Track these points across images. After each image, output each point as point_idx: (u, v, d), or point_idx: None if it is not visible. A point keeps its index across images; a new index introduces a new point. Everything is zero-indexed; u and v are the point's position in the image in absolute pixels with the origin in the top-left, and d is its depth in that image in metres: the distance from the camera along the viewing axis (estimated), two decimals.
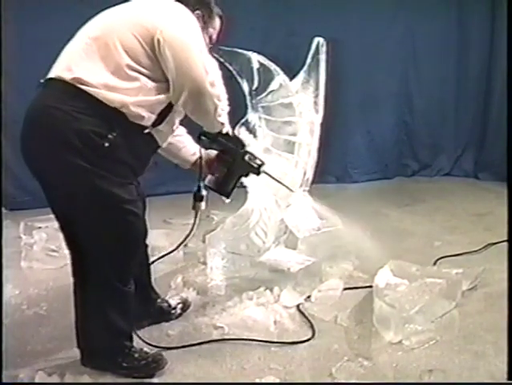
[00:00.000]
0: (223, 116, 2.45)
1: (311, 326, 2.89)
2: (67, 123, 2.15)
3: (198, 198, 2.61)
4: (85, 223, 2.30)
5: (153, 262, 2.84)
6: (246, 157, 2.70)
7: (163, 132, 2.40)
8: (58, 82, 2.20)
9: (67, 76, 2.18)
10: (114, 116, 2.18)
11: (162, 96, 2.26)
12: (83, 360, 2.53)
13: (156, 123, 2.31)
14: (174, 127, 2.50)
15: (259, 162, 2.74)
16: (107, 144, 2.18)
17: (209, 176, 2.74)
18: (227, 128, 2.57)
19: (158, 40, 2.15)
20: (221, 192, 2.72)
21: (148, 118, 2.27)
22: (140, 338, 2.62)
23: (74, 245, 2.40)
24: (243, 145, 2.69)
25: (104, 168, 2.21)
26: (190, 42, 2.20)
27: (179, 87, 2.21)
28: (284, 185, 3.04)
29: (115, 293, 2.42)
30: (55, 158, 2.20)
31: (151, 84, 2.23)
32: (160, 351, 2.59)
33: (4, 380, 2.30)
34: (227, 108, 2.48)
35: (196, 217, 2.62)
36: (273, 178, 2.92)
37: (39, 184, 2.30)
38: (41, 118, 2.21)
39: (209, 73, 2.23)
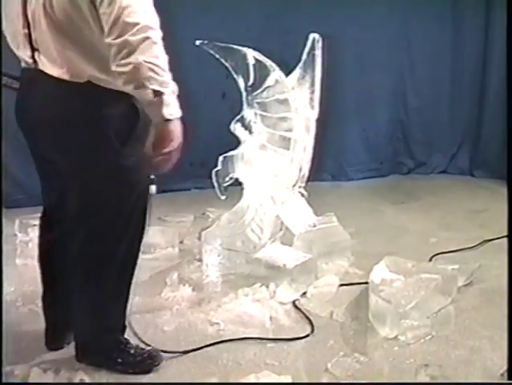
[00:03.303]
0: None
1: (310, 323, 2.89)
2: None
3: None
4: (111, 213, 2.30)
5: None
6: None
7: None
8: (51, 79, 2.13)
9: (62, 75, 2.11)
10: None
11: None
12: (78, 356, 2.51)
13: None
14: None
15: None
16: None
17: None
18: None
19: None
20: None
21: None
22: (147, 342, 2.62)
23: (84, 240, 2.35)
24: None
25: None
26: None
27: None
28: None
29: (118, 287, 2.43)
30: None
31: None
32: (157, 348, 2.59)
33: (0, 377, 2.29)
34: None
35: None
36: None
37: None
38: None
39: None
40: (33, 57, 2.17)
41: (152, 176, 2.42)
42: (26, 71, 2.26)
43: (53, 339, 2.64)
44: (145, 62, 1.96)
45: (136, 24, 1.94)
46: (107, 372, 2.46)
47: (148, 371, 2.48)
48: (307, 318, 2.94)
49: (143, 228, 2.43)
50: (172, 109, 2.08)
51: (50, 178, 2.43)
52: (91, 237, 2.32)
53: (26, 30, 2.14)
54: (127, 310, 2.52)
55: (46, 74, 2.14)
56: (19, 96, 2.32)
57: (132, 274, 2.47)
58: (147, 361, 2.50)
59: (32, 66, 2.18)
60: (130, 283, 2.47)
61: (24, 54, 2.20)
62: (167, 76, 2.04)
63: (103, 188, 2.26)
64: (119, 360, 2.47)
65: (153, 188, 2.41)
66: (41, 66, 2.15)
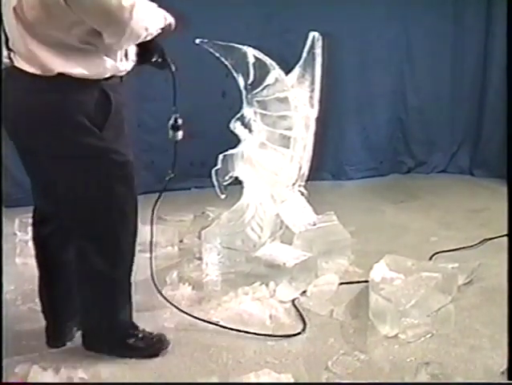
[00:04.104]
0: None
1: (303, 321, 2.90)
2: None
3: (175, 128, 2.61)
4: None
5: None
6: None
7: None
8: (25, 75, 2.20)
9: (35, 71, 2.19)
10: None
11: None
12: (86, 343, 2.57)
13: None
14: None
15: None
16: None
17: None
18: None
19: None
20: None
21: None
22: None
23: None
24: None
25: None
26: None
27: None
28: None
29: (126, 269, 2.50)
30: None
31: None
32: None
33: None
34: None
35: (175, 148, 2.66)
36: None
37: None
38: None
39: None
40: (9, 57, 2.24)
41: (180, 121, 2.60)
42: (4, 71, 2.30)
43: (54, 337, 2.66)
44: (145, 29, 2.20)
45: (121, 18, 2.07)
46: (107, 365, 2.49)
47: (155, 355, 2.57)
48: (301, 316, 2.94)
49: (135, 208, 2.49)
50: (162, 21, 2.37)
51: (35, 172, 2.44)
52: (84, 225, 2.40)
53: (3, 34, 2.23)
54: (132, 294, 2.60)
55: (21, 70, 2.20)
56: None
57: (132, 257, 2.53)
58: (156, 345, 2.59)
59: (9, 64, 2.25)
60: (132, 265, 2.54)
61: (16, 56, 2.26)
62: (154, 15, 2.29)
63: (87, 173, 2.32)
64: (129, 344, 2.55)
65: (180, 134, 2.63)
66: (16, 64, 2.22)
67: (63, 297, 2.59)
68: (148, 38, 2.29)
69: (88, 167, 2.31)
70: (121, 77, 2.39)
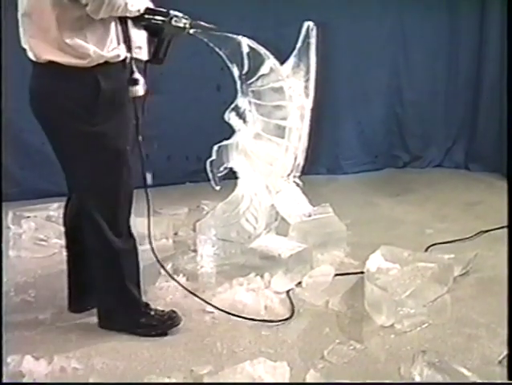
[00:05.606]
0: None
1: (292, 308, 2.91)
2: None
3: (131, 82, 2.47)
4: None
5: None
6: (173, 21, 2.56)
7: None
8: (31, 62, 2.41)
9: (32, 58, 2.40)
10: None
11: None
12: (101, 322, 2.69)
13: None
14: None
15: (185, 21, 2.65)
16: None
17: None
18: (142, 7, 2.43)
19: None
20: (153, 62, 2.58)
21: None
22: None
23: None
24: (167, 12, 2.55)
25: None
26: None
27: None
28: None
29: (135, 247, 2.68)
30: None
31: None
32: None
33: None
34: None
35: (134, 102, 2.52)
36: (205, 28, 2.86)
37: None
38: None
39: None
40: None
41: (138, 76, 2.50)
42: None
43: (76, 302, 2.84)
44: None
45: None
46: (100, 359, 2.47)
47: (166, 333, 2.67)
48: (291, 302, 2.96)
49: (129, 196, 2.62)
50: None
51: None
52: (82, 205, 2.56)
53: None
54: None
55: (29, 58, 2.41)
56: None
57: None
58: (167, 322, 2.69)
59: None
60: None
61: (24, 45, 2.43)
62: None
63: (78, 156, 2.47)
64: (142, 322, 2.66)
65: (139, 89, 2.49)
66: (27, 53, 2.41)
67: (80, 273, 2.78)
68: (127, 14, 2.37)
69: (79, 150, 2.46)
70: (124, 64, 2.45)
